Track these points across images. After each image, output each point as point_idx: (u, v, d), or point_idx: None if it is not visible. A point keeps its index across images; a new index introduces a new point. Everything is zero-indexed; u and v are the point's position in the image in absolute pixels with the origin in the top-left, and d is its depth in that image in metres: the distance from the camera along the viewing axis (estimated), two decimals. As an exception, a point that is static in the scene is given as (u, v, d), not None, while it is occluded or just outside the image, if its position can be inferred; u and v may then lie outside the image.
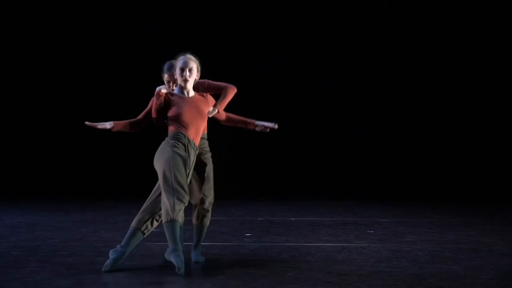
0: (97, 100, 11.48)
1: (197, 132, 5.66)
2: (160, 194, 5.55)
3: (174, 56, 5.76)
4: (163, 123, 5.72)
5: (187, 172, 5.56)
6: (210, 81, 5.88)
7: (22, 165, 11.64)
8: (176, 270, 5.29)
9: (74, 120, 11.50)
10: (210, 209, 5.97)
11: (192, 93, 5.71)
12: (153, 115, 5.66)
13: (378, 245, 6.74)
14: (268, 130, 6.09)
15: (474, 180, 11.59)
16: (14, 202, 10.25)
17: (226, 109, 5.89)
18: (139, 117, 5.82)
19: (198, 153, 5.77)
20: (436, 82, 11.91)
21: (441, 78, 11.90)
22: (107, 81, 11.63)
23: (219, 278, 5.23)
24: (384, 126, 11.89)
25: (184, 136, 5.56)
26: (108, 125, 5.67)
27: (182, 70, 5.61)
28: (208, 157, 5.97)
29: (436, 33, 11.81)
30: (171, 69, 5.80)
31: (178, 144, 5.52)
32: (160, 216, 5.58)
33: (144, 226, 5.58)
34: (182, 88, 5.68)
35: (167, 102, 5.60)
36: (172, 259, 5.33)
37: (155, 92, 5.58)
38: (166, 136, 5.70)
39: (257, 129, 6.06)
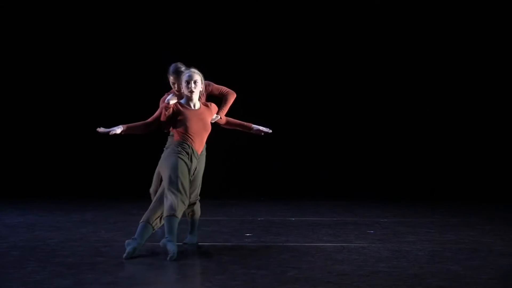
0: (97, 100, 11.47)
1: (201, 143, 6.25)
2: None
3: (176, 59, 6.34)
4: (170, 129, 6.30)
5: (189, 178, 6.13)
6: (214, 84, 6.56)
7: (22, 165, 11.63)
8: (168, 258, 5.83)
9: (74, 120, 11.56)
10: (196, 202, 6.56)
11: (198, 104, 6.26)
12: (162, 123, 6.17)
13: (378, 245, 6.74)
14: (262, 134, 6.67)
15: (474, 180, 11.58)
16: (14, 202, 10.24)
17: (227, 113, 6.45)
18: (149, 120, 6.19)
19: None
20: (436, 82, 11.90)
21: (441, 78, 11.89)
22: (107, 81, 11.62)
23: (219, 278, 5.23)
24: (384, 126, 11.88)
25: (189, 146, 6.12)
26: (118, 130, 5.97)
27: (188, 82, 6.16)
28: (202, 159, 6.44)
29: (436, 31, 11.80)
30: (176, 71, 6.35)
31: (183, 153, 6.08)
32: None
33: (155, 222, 6.09)
34: (189, 99, 6.22)
35: (175, 113, 6.14)
36: (167, 246, 5.88)
37: (163, 105, 6.13)
38: (167, 138, 6.35)
39: (252, 131, 6.65)
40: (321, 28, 11.85)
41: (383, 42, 11.87)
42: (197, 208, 6.63)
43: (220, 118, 6.48)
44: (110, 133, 5.91)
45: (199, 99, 6.29)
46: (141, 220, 6.09)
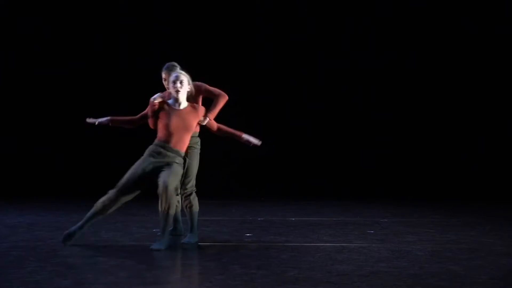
0: (98, 100, 11.47)
1: (181, 141, 6.38)
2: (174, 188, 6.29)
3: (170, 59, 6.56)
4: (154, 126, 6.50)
5: (159, 171, 6.28)
6: (206, 85, 6.63)
7: (23, 165, 11.64)
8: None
9: (74, 120, 11.53)
10: (192, 193, 6.62)
11: (184, 104, 6.43)
12: (148, 119, 6.44)
13: (378, 245, 6.74)
14: (251, 145, 6.72)
15: (474, 180, 11.59)
16: (14, 202, 10.24)
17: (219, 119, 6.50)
18: (136, 117, 6.57)
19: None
20: (436, 82, 11.91)
21: (441, 78, 11.90)
22: (108, 81, 11.63)
23: (219, 278, 5.22)
24: (384, 126, 11.89)
25: (163, 144, 6.34)
26: (105, 120, 6.58)
27: (174, 82, 6.38)
28: (191, 152, 6.59)
29: (436, 31, 11.81)
30: (169, 68, 6.56)
31: (153, 151, 6.36)
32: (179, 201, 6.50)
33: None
34: (175, 99, 6.42)
35: (159, 111, 6.38)
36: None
37: (150, 102, 6.37)
38: None
39: (241, 141, 6.70)
40: (321, 28, 11.86)
41: (382, 42, 11.88)
42: (194, 200, 6.66)
43: (209, 120, 6.51)
44: (96, 123, 6.56)
45: (189, 100, 6.44)
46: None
